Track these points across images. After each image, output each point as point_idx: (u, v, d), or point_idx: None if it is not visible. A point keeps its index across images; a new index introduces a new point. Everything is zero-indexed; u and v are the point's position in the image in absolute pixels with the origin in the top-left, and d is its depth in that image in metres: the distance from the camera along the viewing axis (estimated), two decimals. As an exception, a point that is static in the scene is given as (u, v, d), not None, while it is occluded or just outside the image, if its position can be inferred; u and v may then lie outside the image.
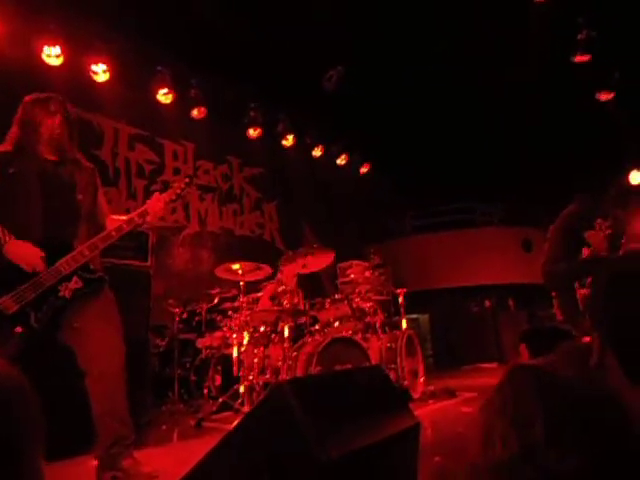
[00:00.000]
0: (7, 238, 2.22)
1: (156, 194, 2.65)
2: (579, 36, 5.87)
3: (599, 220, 4.05)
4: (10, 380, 0.70)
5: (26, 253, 2.23)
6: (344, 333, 4.30)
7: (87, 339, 2.35)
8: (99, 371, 2.33)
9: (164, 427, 3.83)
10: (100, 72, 5.49)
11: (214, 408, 3.99)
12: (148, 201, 2.62)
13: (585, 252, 4.06)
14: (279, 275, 4.84)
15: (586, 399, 0.63)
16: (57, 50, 5.07)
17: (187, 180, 2.75)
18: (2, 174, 2.33)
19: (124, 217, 2.62)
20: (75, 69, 5.37)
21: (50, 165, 2.45)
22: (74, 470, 2.53)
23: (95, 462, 2.41)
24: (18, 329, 2.19)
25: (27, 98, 2.54)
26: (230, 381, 4.25)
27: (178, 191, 2.69)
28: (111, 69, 5.52)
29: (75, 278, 2.34)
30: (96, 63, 5.47)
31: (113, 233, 2.46)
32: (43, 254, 2.26)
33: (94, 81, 5.52)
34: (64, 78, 5.14)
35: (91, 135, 5.61)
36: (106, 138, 5.91)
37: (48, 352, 2.39)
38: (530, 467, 0.60)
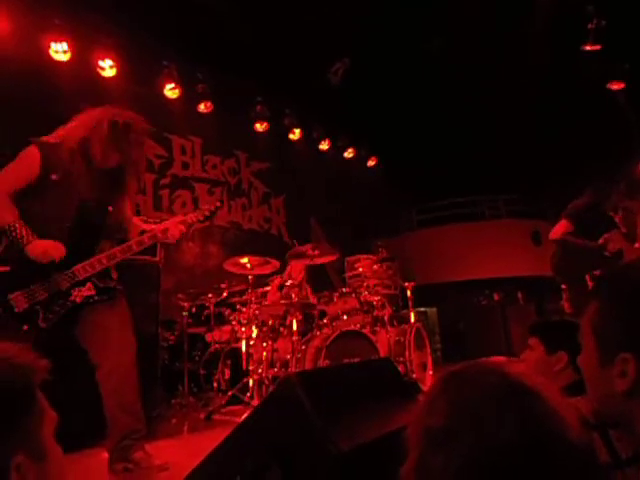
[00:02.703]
0: (31, 238, 2.22)
1: (181, 216, 2.68)
2: (589, 25, 5.78)
3: (610, 212, 4.01)
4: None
5: (48, 247, 2.23)
6: (352, 326, 4.31)
7: (99, 333, 2.38)
8: (111, 365, 2.35)
9: (174, 420, 3.86)
10: (107, 67, 5.50)
11: (224, 401, 4.02)
12: (172, 220, 2.64)
13: (597, 243, 4.02)
14: (287, 269, 4.85)
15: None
16: (64, 46, 5.08)
17: (218, 204, 2.80)
18: (45, 177, 2.29)
19: (145, 226, 2.67)
20: (82, 65, 5.38)
21: (98, 175, 2.40)
22: (86, 462, 2.56)
23: (106, 454, 2.44)
24: (25, 327, 2.21)
25: (108, 115, 2.41)
26: (239, 375, 4.28)
27: (207, 214, 2.73)
28: (118, 64, 5.52)
29: (89, 285, 2.36)
30: (103, 59, 5.48)
31: (134, 247, 2.47)
32: (64, 249, 2.26)
33: (101, 77, 5.53)
34: (71, 74, 5.16)
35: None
36: (114, 134, 5.92)
37: (59, 345, 2.41)
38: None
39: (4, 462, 0.67)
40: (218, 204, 2.80)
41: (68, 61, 5.17)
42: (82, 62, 5.38)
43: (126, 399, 2.38)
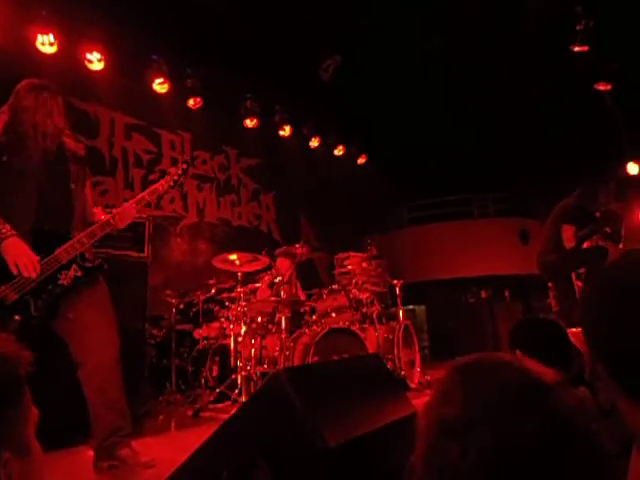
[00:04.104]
0: (7, 232, 2.18)
1: (130, 201, 2.56)
2: (577, 26, 5.83)
3: (597, 213, 4.07)
4: None
5: (20, 254, 2.18)
6: (341, 324, 4.32)
7: (81, 331, 2.35)
8: (94, 362, 2.33)
9: (161, 417, 3.84)
10: (95, 61, 5.42)
11: (211, 398, 4.00)
12: (128, 202, 2.55)
13: (585, 244, 4.08)
14: (275, 266, 4.84)
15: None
16: (51, 38, 5.00)
17: (184, 166, 2.70)
18: None
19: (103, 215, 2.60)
20: (70, 57, 5.30)
21: (44, 154, 2.40)
22: (71, 459, 2.53)
23: (91, 452, 2.42)
24: (17, 317, 2.18)
25: (21, 84, 2.48)
26: (227, 371, 4.26)
27: (175, 177, 2.65)
28: (106, 58, 5.45)
29: (74, 266, 2.33)
30: (91, 52, 5.40)
31: (111, 220, 2.43)
32: (38, 258, 2.22)
33: (89, 70, 5.45)
34: (59, 67, 5.07)
35: (87, 124, 5.56)
36: (102, 128, 5.86)
37: (44, 341, 2.38)
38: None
39: None
40: (184, 166, 2.69)
41: (55, 53, 5.09)
42: (70, 55, 5.30)
43: (110, 396, 2.35)
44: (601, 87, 6.53)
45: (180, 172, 2.65)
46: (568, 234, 4.14)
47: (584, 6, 5.59)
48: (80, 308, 2.36)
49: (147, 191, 2.60)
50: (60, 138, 2.47)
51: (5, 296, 2.17)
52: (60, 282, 2.29)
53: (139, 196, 2.57)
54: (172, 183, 2.63)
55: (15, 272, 2.17)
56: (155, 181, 2.73)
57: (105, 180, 5.67)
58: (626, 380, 0.71)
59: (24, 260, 2.18)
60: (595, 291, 0.79)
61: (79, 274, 2.33)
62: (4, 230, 2.18)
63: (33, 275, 2.20)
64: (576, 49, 5.84)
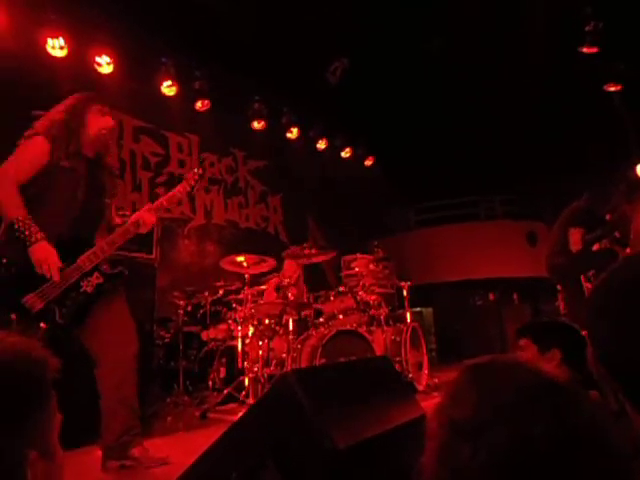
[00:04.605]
0: (38, 237, 2.23)
1: (149, 206, 2.62)
2: (587, 27, 5.80)
3: (608, 216, 4.03)
4: (16, 348, 0.74)
5: (46, 259, 2.23)
6: (348, 326, 4.31)
7: (102, 331, 2.40)
8: (113, 359, 2.37)
9: (169, 418, 3.85)
10: (104, 64, 5.47)
11: (219, 400, 4.01)
12: (144, 208, 2.62)
13: (595, 246, 4.05)
14: (283, 268, 4.85)
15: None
16: (61, 42, 5.05)
17: (200, 171, 2.75)
18: (55, 165, 2.34)
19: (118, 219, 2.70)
20: (79, 61, 5.36)
21: (91, 165, 2.48)
22: (79, 460, 2.54)
23: (99, 452, 2.43)
24: (43, 325, 2.23)
25: (79, 95, 2.56)
26: (235, 373, 4.27)
27: (192, 183, 2.69)
28: (115, 61, 5.50)
29: (96, 274, 2.39)
30: (100, 55, 5.45)
31: (131, 228, 2.50)
32: (62, 265, 2.28)
33: (98, 73, 5.50)
34: (68, 70, 5.13)
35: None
36: (111, 130, 5.90)
37: (54, 342, 2.40)
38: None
39: (18, 456, 0.67)
40: (200, 171, 2.73)
41: (65, 57, 5.14)
42: (79, 58, 5.35)
43: (125, 393, 2.39)
44: (611, 88, 6.48)
45: (197, 177, 2.70)
46: (575, 237, 4.11)
47: (593, 7, 5.56)
48: (101, 310, 2.41)
49: (165, 197, 2.67)
50: (104, 152, 2.56)
51: (32, 304, 2.22)
52: (83, 289, 2.35)
53: (157, 202, 2.63)
54: (189, 188, 2.68)
55: (41, 274, 2.23)
56: (171, 187, 2.80)
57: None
58: (629, 387, 0.70)
59: (48, 265, 2.23)
60: (599, 294, 0.78)
61: (101, 281, 2.39)
62: (37, 235, 2.22)
63: (56, 279, 2.25)
64: (585, 50, 5.80)
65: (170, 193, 2.67)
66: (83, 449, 2.66)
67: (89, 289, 2.36)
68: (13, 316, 2.18)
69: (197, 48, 5.99)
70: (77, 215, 2.38)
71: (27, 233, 2.20)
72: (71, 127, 2.42)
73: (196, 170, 2.72)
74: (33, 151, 2.33)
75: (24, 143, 2.37)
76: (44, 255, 2.22)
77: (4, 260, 2.23)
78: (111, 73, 5.53)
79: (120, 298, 2.51)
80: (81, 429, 2.73)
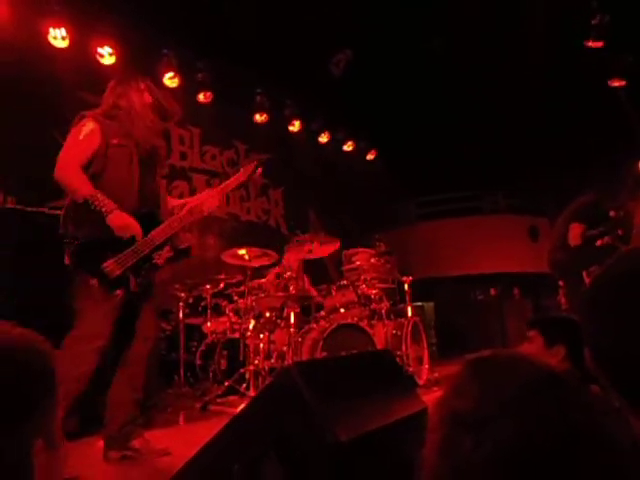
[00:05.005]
0: (113, 206, 2.33)
1: (214, 190, 2.80)
2: (593, 21, 5.75)
3: (612, 212, 4.01)
4: (23, 339, 0.76)
5: (128, 224, 2.35)
6: (350, 319, 4.31)
7: (150, 311, 2.53)
8: (138, 350, 2.46)
9: (170, 410, 3.86)
10: (106, 55, 5.44)
11: (220, 392, 4.02)
12: (205, 193, 2.80)
13: (598, 242, 4.03)
14: (284, 261, 4.84)
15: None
16: (62, 32, 5.02)
17: (256, 162, 2.87)
18: (107, 143, 2.44)
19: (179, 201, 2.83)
20: (81, 52, 5.33)
21: (140, 143, 2.54)
22: (80, 451, 2.55)
23: (102, 442, 2.44)
24: (119, 292, 2.32)
25: (119, 76, 2.71)
26: (236, 365, 4.28)
27: (249, 172, 2.80)
28: (117, 52, 5.46)
29: (167, 247, 2.49)
30: (102, 46, 5.42)
31: (198, 208, 2.63)
32: (139, 231, 2.39)
33: (100, 64, 5.47)
34: (70, 61, 5.11)
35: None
36: (112, 122, 5.88)
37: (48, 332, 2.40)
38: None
39: (27, 445, 0.68)
40: (256, 162, 2.87)
41: (66, 48, 5.11)
42: (81, 49, 5.32)
43: (137, 384, 2.45)
44: (615, 83, 6.43)
45: (253, 168, 2.81)
46: (574, 232, 4.09)
47: (599, 1, 5.51)
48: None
49: (229, 181, 2.83)
50: (151, 130, 2.62)
51: (111, 270, 2.30)
52: (154, 261, 2.45)
53: (222, 185, 2.81)
54: (245, 178, 2.81)
55: (122, 238, 2.33)
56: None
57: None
58: (621, 383, 0.68)
59: (129, 230, 2.35)
60: (592, 289, 0.77)
61: (171, 254, 2.50)
62: (110, 205, 2.31)
63: (139, 237, 2.37)
64: (590, 44, 5.76)
65: (230, 180, 2.82)
66: (85, 439, 2.67)
67: (160, 261, 2.46)
68: (94, 281, 2.27)
69: (199, 40, 5.95)
70: (138, 190, 2.48)
71: (101, 205, 2.29)
72: (116, 109, 2.52)
73: (256, 163, 2.86)
74: (85, 133, 2.42)
75: (75, 128, 2.46)
76: (123, 220, 2.34)
77: (78, 235, 2.32)
78: (113, 64, 5.50)
79: (157, 292, 2.64)
80: (83, 420, 2.75)
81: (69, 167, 2.36)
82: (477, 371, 0.65)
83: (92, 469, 2.32)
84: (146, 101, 2.58)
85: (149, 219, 2.47)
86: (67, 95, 5.01)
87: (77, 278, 2.33)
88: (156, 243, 2.44)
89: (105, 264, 2.28)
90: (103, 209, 2.30)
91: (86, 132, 2.42)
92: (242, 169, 2.84)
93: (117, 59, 5.49)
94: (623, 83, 6.48)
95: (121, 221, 2.33)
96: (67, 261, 2.33)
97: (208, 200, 2.67)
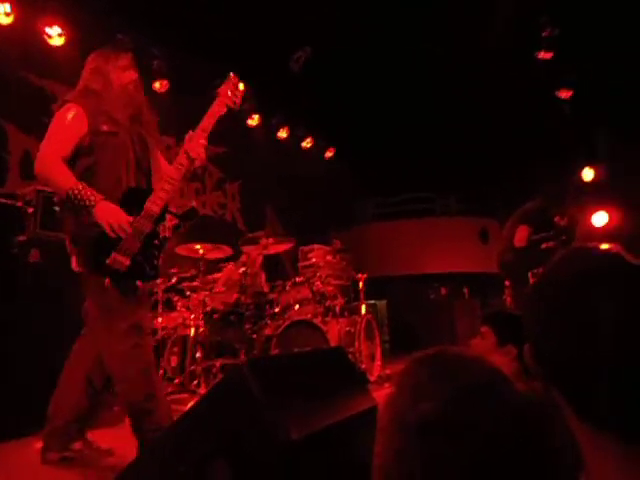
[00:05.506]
0: (96, 199, 2.08)
1: (190, 133, 2.42)
2: (543, 33, 6.00)
3: (557, 218, 4.21)
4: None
5: (112, 216, 2.09)
6: (304, 316, 4.31)
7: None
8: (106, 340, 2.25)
9: (116, 408, 3.72)
10: (55, 35, 5.15)
11: (169, 389, 3.92)
12: (187, 140, 2.41)
13: (544, 245, 4.21)
14: (244, 256, 4.78)
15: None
16: (7, 8, 4.72)
17: (234, 79, 2.58)
18: (95, 131, 2.20)
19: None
20: (27, 30, 5.02)
21: (131, 124, 2.34)
22: (18, 451, 2.42)
23: (40, 444, 2.32)
24: (139, 284, 2.13)
25: (97, 54, 2.41)
26: (186, 362, 4.18)
27: (229, 95, 2.49)
28: (67, 33, 5.19)
29: (169, 216, 2.29)
30: (50, 25, 5.13)
31: (183, 160, 2.32)
32: (130, 219, 2.14)
33: (48, 45, 5.18)
34: (14, 39, 4.81)
35: (43, 102, 5.29)
36: (60, 106, 5.60)
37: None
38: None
39: None
40: (234, 79, 2.60)
41: (10, 24, 4.80)
42: (27, 27, 5.01)
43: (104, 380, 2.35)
44: (562, 94, 6.75)
45: (232, 86, 2.51)
46: (520, 234, 4.26)
47: (550, 14, 5.75)
48: None
49: (206, 116, 2.44)
50: (139, 108, 2.41)
51: (119, 264, 2.07)
52: (162, 235, 2.24)
53: (202, 123, 2.42)
54: (230, 102, 2.48)
55: (112, 235, 2.08)
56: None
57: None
58: (565, 387, 0.65)
59: (117, 221, 2.09)
60: (536, 291, 0.77)
61: (175, 222, 2.33)
62: (92, 197, 2.07)
63: (128, 231, 2.11)
64: (541, 56, 6.01)
65: (209, 111, 2.44)
66: (20, 440, 2.54)
67: (167, 233, 2.27)
68: (107, 281, 2.05)
69: (157, 26, 5.75)
70: (133, 177, 2.27)
71: (84, 199, 2.07)
72: (98, 90, 2.29)
73: (229, 79, 2.54)
74: (69, 119, 2.19)
75: (57, 115, 2.22)
76: (108, 213, 2.09)
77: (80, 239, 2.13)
78: (62, 45, 5.22)
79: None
80: (18, 420, 2.61)
81: (49, 160, 2.13)
82: (422, 369, 0.65)
83: (27, 472, 2.20)
84: (131, 77, 2.36)
85: (144, 195, 2.22)
86: (9, 75, 4.72)
87: (91, 284, 2.12)
88: (155, 214, 2.19)
89: (110, 259, 2.06)
90: (87, 203, 2.06)
91: (69, 119, 2.19)
92: (219, 93, 2.49)
93: (67, 40, 5.21)
94: (569, 94, 6.81)
95: (104, 214, 2.08)
96: (75, 267, 2.14)
97: (193, 142, 2.35)
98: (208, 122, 2.41)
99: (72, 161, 2.18)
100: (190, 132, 2.40)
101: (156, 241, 2.21)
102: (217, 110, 2.43)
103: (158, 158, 2.49)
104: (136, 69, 2.41)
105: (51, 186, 2.21)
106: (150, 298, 2.24)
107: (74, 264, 2.16)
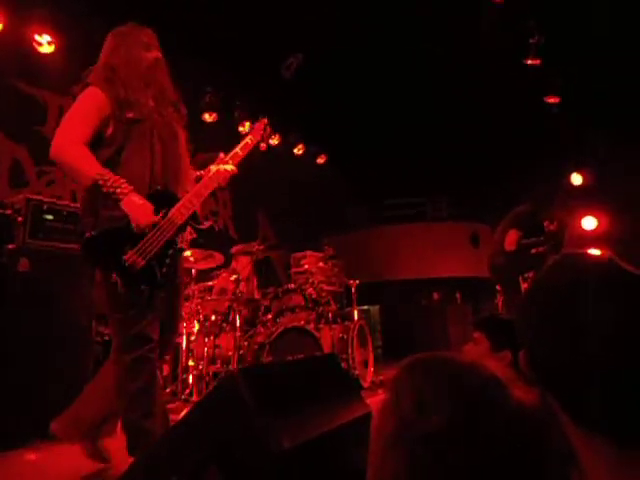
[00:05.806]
0: (127, 189, 1.96)
1: (220, 158, 2.47)
2: (531, 40, 6.08)
3: (546, 222, 4.25)
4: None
5: (141, 211, 1.98)
6: (297, 323, 4.30)
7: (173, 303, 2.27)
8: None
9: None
10: (44, 43, 5.13)
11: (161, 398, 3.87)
12: (219, 161, 2.45)
13: (532, 250, 4.25)
14: (233, 264, 4.76)
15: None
16: (-4, 16, 4.70)
17: (266, 120, 2.64)
18: (118, 118, 2.07)
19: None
20: (16, 38, 5.00)
21: (156, 109, 2.23)
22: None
23: (31, 455, 2.29)
24: (145, 287, 2.01)
25: (115, 33, 2.35)
26: (178, 371, 4.15)
27: (261, 132, 2.60)
28: (57, 41, 5.17)
29: (189, 229, 2.21)
30: (40, 33, 5.11)
31: (214, 180, 2.31)
32: (157, 219, 2.04)
33: (38, 53, 5.16)
34: (3, 47, 4.79)
35: (34, 110, 5.26)
36: (50, 114, 5.55)
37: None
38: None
39: None
40: (266, 120, 2.66)
41: (0, 32, 4.78)
42: (17, 35, 4.99)
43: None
44: (550, 100, 6.83)
45: (263, 126, 2.62)
46: (511, 238, 4.30)
47: (537, 20, 5.83)
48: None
49: (239, 147, 2.55)
50: (163, 91, 2.34)
51: (134, 262, 1.96)
52: (179, 246, 2.14)
53: (236, 149, 2.51)
54: (259, 137, 2.60)
55: (137, 232, 1.98)
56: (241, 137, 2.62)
57: (51, 170, 5.39)
58: (559, 393, 0.66)
59: (145, 218, 1.99)
60: (531, 296, 0.77)
61: (195, 236, 2.24)
62: (123, 186, 1.95)
63: (156, 233, 2.02)
64: (529, 62, 6.08)
65: (242, 142, 2.55)
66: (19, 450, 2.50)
67: (184, 245, 2.18)
68: (114, 276, 1.94)
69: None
70: (160, 167, 2.13)
71: (114, 188, 1.94)
72: (119, 70, 2.17)
73: (260, 121, 2.66)
74: (91, 102, 2.06)
75: (78, 98, 2.08)
76: (137, 207, 1.97)
77: (91, 233, 1.98)
78: (52, 53, 5.20)
79: (182, 281, 2.44)
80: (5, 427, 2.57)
81: (70, 143, 1.97)
82: (414, 374, 0.65)
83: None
84: (154, 56, 2.25)
85: (171, 198, 2.13)
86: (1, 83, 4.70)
87: (99, 279, 2.03)
88: (178, 224, 2.10)
89: (126, 256, 1.94)
90: (117, 191, 1.93)
91: (90, 103, 2.04)
92: (252, 129, 2.62)
93: (56, 48, 5.19)
94: (557, 100, 6.90)
95: (134, 207, 1.96)
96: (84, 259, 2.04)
97: (224, 167, 2.35)
98: (241, 152, 2.58)
99: (97, 153, 2.05)
100: (222, 154, 2.51)
101: (171, 250, 2.12)
102: (250, 143, 2.61)
103: (183, 145, 2.39)
104: (159, 47, 2.31)
105: (72, 172, 2.04)
106: (164, 305, 2.13)
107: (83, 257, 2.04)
